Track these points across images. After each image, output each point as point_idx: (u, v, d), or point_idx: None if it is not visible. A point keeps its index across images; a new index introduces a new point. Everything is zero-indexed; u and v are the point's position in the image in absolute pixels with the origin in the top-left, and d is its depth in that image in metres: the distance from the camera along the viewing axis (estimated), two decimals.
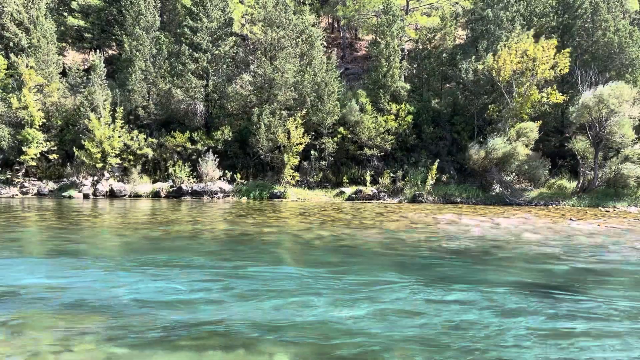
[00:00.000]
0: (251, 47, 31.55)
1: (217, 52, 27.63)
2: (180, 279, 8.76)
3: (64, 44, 33.50)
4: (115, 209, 20.22)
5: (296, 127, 25.35)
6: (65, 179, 25.89)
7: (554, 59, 24.81)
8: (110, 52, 35.86)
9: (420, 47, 30.28)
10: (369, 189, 25.31)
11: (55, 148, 26.10)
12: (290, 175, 25.41)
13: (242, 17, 33.63)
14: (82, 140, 24.59)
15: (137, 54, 27.01)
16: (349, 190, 25.62)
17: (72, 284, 8.37)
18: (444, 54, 29.45)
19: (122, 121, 25.79)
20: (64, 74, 29.19)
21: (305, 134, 25.75)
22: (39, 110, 25.46)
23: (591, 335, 6.43)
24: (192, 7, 27.61)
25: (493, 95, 26.88)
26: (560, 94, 25.65)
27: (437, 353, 5.79)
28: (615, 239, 14.27)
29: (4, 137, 24.98)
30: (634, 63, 27.25)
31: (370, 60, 34.42)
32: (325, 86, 26.67)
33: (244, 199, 24.94)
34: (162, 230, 14.44)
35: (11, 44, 27.97)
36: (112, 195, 24.78)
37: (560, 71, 25.37)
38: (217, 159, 25.78)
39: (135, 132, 26.51)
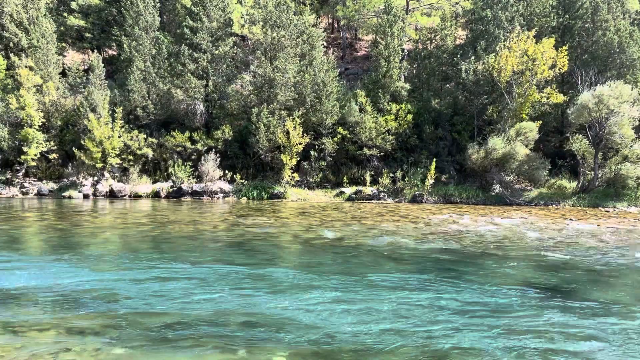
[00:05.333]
0: (251, 47, 31.51)
1: (217, 52, 27.61)
2: (180, 279, 8.75)
3: (63, 44, 33.46)
4: (116, 209, 20.21)
5: (295, 127, 25.33)
6: (65, 179, 25.86)
7: (553, 58, 24.78)
8: (110, 52, 35.86)
9: (420, 47, 30.24)
10: (368, 189, 25.29)
11: (55, 148, 26.06)
12: (289, 176, 25.38)
13: (242, 17, 33.61)
14: (82, 140, 24.57)
15: (137, 54, 26.99)
16: (348, 190, 25.60)
17: (72, 284, 8.36)
18: (444, 54, 29.43)
19: (122, 121, 25.77)
20: (63, 74, 29.17)
21: (305, 134, 25.72)
22: (37, 110, 25.44)
23: (594, 337, 6.42)
24: (192, 7, 27.58)
25: (493, 96, 26.87)
26: (560, 94, 25.63)
27: (438, 353, 5.78)
28: (615, 239, 14.26)
29: (4, 137, 24.96)
30: (634, 63, 27.22)
31: (370, 60, 34.42)
32: (324, 86, 26.66)
33: (244, 199, 24.93)
34: (162, 230, 14.43)
35: (11, 44, 27.92)
36: (112, 195, 24.76)
37: (559, 70, 25.34)
38: (218, 159, 25.75)
39: (135, 132, 26.45)
